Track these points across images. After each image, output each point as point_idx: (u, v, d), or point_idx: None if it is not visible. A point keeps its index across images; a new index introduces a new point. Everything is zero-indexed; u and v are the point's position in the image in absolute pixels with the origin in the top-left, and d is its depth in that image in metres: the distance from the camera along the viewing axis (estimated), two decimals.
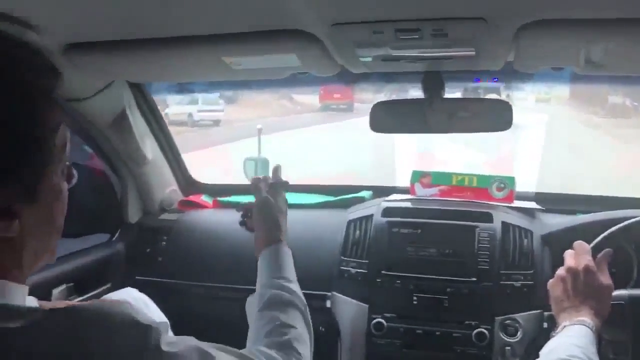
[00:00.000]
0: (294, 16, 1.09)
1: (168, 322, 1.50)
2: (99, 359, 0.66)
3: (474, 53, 1.21)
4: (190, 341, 0.78)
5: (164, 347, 0.71)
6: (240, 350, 0.91)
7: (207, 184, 2.30)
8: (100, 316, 0.69)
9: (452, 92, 1.61)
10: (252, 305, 1.21)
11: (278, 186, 1.43)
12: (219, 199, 2.14)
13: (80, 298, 1.74)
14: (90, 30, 1.23)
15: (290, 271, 1.28)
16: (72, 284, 1.73)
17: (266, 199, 1.37)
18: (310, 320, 1.19)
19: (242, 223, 1.46)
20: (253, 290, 1.80)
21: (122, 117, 1.76)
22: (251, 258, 1.84)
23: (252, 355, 0.92)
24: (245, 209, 1.45)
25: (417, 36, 1.11)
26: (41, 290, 1.55)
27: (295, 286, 1.24)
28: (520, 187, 1.90)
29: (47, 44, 1.21)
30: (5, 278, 0.69)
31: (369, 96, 15.61)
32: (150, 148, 1.95)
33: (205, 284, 1.88)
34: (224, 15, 1.10)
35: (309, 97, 15.74)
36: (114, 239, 2.02)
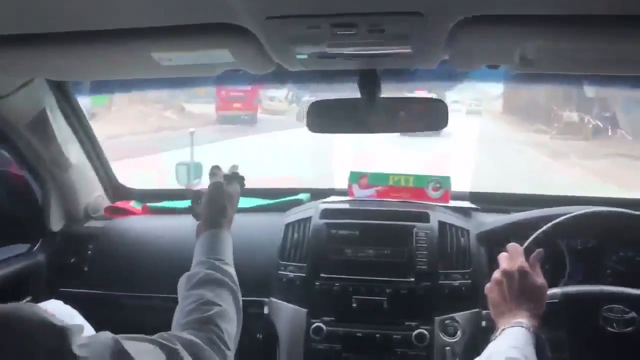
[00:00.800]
0: (226, 9, 1.03)
1: (83, 326, 1.42)
2: None
3: (410, 50, 1.20)
4: (104, 338, 0.74)
5: (76, 351, 0.65)
6: (154, 337, 0.89)
7: (136, 190, 2.20)
8: (6, 320, 0.63)
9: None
10: (182, 284, 1.21)
11: (233, 177, 1.45)
12: (149, 204, 2.05)
13: None
14: (4, 23, 1.13)
15: (227, 254, 1.28)
16: None
17: (219, 183, 1.38)
18: (241, 303, 1.20)
19: (190, 209, 1.44)
20: None
21: (42, 119, 1.65)
22: (184, 265, 1.77)
23: (166, 341, 0.89)
24: (196, 194, 1.44)
25: (353, 32, 1.08)
26: None
27: (230, 268, 1.23)
28: (455, 187, 1.92)
29: None
30: None
31: (280, 106, 14.93)
32: (74, 152, 1.84)
33: (136, 293, 1.79)
34: (153, 7, 1.04)
35: (206, 107, 13.89)
36: (35, 248, 1.89)
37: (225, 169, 1.48)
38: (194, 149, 3.51)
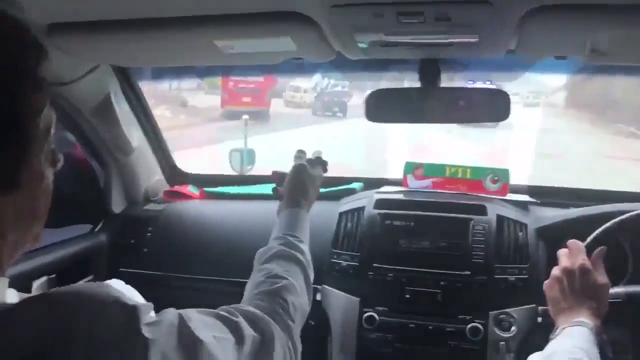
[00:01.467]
0: None
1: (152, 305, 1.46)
2: (81, 343, 0.60)
3: (476, 40, 1.17)
4: (171, 315, 0.74)
5: (145, 332, 0.65)
6: (217, 310, 0.90)
7: (194, 174, 2.24)
8: (79, 298, 0.63)
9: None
10: (256, 258, 1.21)
11: (316, 161, 1.48)
12: (206, 189, 2.09)
13: None
14: (74, 10, 1.17)
15: (304, 233, 1.28)
16: (53, 276, 1.66)
17: (303, 165, 1.41)
18: (312, 279, 1.20)
19: (274, 190, 1.45)
20: (241, 283, 1.77)
21: (107, 103, 1.70)
22: (239, 250, 1.80)
23: (228, 313, 0.90)
24: (279, 175, 1.45)
25: (419, 20, 1.06)
26: (21, 283, 1.49)
27: (304, 246, 1.23)
28: (513, 180, 1.87)
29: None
30: None
31: (305, 97, 13.72)
32: (135, 136, 1.88)
33: (192, 276, 1.83)
34: None
35: (212, 99, 12.26)
36: (96, 229, 1.96)
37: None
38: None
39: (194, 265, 1.83)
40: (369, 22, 1.09)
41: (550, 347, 1.10)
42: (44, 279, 1.63)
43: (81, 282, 1.47)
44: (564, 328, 1.13)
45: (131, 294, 1.50)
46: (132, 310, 0.65)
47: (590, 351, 1.05)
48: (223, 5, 1.12)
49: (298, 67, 1.48)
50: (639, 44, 1.13)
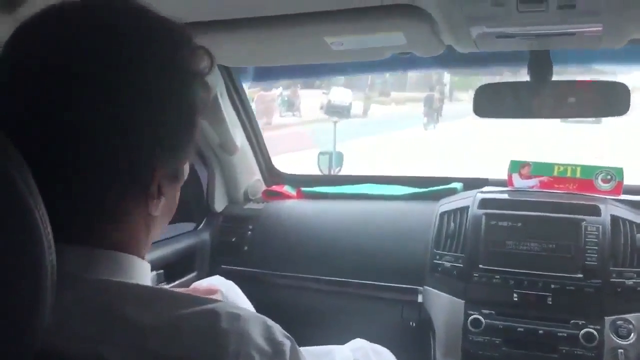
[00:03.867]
0: None
1: (254, 309, 1.48)
2: None
3: (600, 28, 1.11)
4: None
5: None
6: None
7: (289, 174, 2.27)
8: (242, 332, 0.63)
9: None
10: None
11: None
12: (303, 189, 2.11)
13: (169, 285, 1.74)
14: (181, 10, 1.21)
15: None
16: (161, 271, 1.73)
17: None
18: None
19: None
20: (339, 282, 1.77)
21: (215, 103, 1.75)
22: (337, 249, 1.81)
23: None
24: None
25: (541, 9, 1.02)
26: None
27: None
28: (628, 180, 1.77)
29: None
30: (140, 255, 0.70)
31: None
32: (239, 136, 1.93)
33: (291, 274, 1.85)
34: None
35: None
36: (199, 227, 2.02)
37: None
38: None
39: (293, 263, 1.85)
40: (486, 12, 1.06)
41: None
42: (153, 273, 1.70)
43: (191, 285, 1.52)
44: None
45: (233, 289, 1.54)
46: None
47: None
48: (334, 0, 1.12)
49: (400, 62, 1.47)
50: None
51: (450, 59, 1.43)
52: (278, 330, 0.66)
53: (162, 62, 0.67)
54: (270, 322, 0.67)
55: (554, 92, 1.42)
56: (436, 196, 1.90)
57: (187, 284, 1.74)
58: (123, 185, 0.66)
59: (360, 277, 1.77)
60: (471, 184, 1.97)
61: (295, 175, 2.28)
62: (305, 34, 1.26)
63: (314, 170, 2.61)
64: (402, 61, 1.41)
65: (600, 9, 1.03)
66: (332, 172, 2.64)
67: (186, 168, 0.76)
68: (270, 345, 0.63)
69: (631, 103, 1.38)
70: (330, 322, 1.81)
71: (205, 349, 0.60)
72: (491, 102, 1.44)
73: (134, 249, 0.69)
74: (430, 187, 1.98)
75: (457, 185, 1.96)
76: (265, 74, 2.04)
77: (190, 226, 2.03)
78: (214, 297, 1.39)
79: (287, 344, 0.65)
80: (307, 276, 1.82)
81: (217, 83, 1.74)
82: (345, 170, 2.67)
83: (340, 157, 2.74)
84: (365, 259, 1.78)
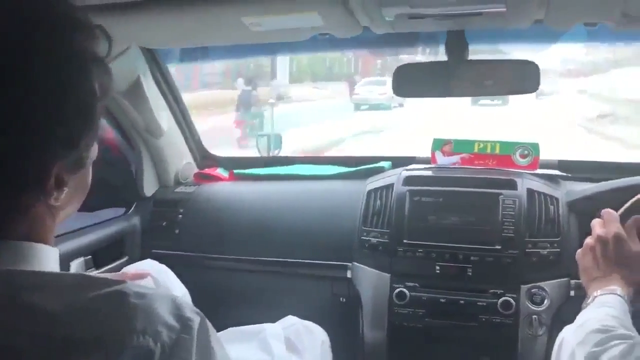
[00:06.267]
0: None
1: (188, 293, 1.49)
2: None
3: (504, 9, 1.16)
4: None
5: None
6: None
7: (222, 157, 2.26)
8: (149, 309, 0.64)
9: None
10: None
11: None
12: (235, 171, 2.12)
13: (98, 271, 1.72)
14: None
15: None
16: (89, 256, 1.72)
17: None
18: None
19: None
20: (272, 262, 1.80)
21: (137, 86, 1.72)
22: (270, 230, 1.83)
23: None
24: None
25: None
26: (59, 262, 1.53)
27: None
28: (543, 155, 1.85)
29: None
30: (47, 242, 0.70)
31: None
32: (165, 119, 1.91)
33: (223, 256, 1.86)
34: None
35: None
36: (129, 212, 2.00)
37: None
38: None
39: (226, 245, 1.86)
40: None
41: (581, 316, 1.10)
42: (80, 259, 1.68)
43: (121, 269, 1.50)
44: (595, 296, 1.12)
45: (165, 272, 1.53)
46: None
47: (622, 319, 1.03)
48: None
49: (324, 43, 1.48)
50: None
51: (372, 40, 1.46)
52: (187, 307, 0.67)
53: (51, 49, 0.64)
54: (179, 299, 0.68)
55: (471, 71, 1.47)
56: (365, 175, 1.94)
57: (117, 269, 1.73)
58: (20, 182, 0.65)
59: (291, 256, 1.80)
60: (399, 162, 2.02)
61: (228, 157, 2.28)
62: (222, 15, 1.26)
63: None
64: (324, 42, 1.42)
65: None
66: (270, 154, 2.66)
67: (94, 150, 0.74)
68: (179, 321, 0.64)
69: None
70: (263, 301, 1.83)
71: (114, 327, 0.61)
72: (410, 82, 1.48)
73: (41, 237, 0.69)
74: (359, 167, 2.02)
75: (385, 164, 2.01)
76: (193, 55, 2.01)
77: (120, 211, 2.01)
78: (143, 281, 1.39)
79: (196, 319, 0.66)
80: (239, 257, 1.84)
81: (137, 65, 1.72)
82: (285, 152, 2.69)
83: (278, 139, 2.76)
84: (297, 238, 1.81)
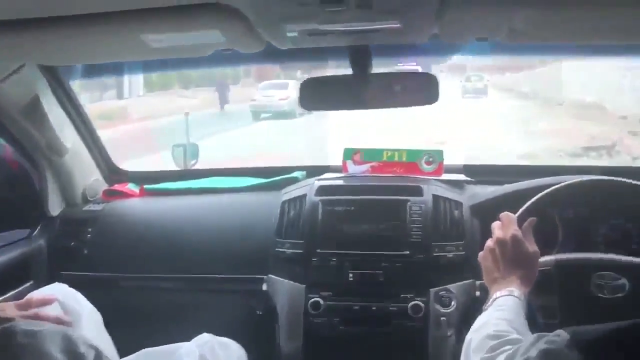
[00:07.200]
0: None
1: (100, 315, 1.45)
2: None
3: (399, 26, 1.20)
4: None
5: None
6: None
7: (133, 172, 2.21)
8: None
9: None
10: None
11: None
12: (146, 186, 2.07)
13: (1, 298, 1.64)
14: None
15: None
16: None
17: None
18: None
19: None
20: (187, 279, 1.77)
21: (36, 104, 1.65)
22: (183, 246, 1.81)
23: None
24: None
25: (342, 8, 1.08)
26: None
27: None
28: (448, 160, 1.93)
29: None
30: None
31: None
32: (69, 136, 1.84)
33: (134, 274, 1.82)
34: None
35: None
36: (34, 233, 1.91)
37: None
38: None
39: (138, 264, 1.82)
40: (294, 11, 1.10)
41: (479, 320, 1.16)
42: None
43: (27, 295, 1.43)
44: (495, 299, 1.19)
45: (74, 297, 1.48)
46: None
47: (514, 321, 1.10)
48: None
49: (227, 58, 1.48)
50: (553, 23, 1.18)
51: (276, 53, 1.46)
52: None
53: None
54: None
55: (375, 84, 1.50)
56: (279, 186, 1.95)
57: (23, 294, 1.64)
58: None
59: (206, 272, 1.78)
60: (314, 171, 2.04)
61: (139, 172, 2.23)
62: (121, 32, 1.23)
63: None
64: (226, 57, 1.42)
65: (395, 7, 1.11)
66: (187, 165, 2.61)
67: None
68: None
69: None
70: (179, 319, 1.80)
71: None
72: (316, 95, 1.50)
73: None
74: (274, 177, 2.03)
75: (299, 174, 2.03)
76: (95, 71, 1.95)
77: (24, 233, 1.92)
78: (49, 307, 1.33)
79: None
80: (151, 275, 1.80)
81: (35, 83, 1.65)
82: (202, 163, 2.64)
83: (195, 149, 2.71)
84: (211, 253, 1.80)
